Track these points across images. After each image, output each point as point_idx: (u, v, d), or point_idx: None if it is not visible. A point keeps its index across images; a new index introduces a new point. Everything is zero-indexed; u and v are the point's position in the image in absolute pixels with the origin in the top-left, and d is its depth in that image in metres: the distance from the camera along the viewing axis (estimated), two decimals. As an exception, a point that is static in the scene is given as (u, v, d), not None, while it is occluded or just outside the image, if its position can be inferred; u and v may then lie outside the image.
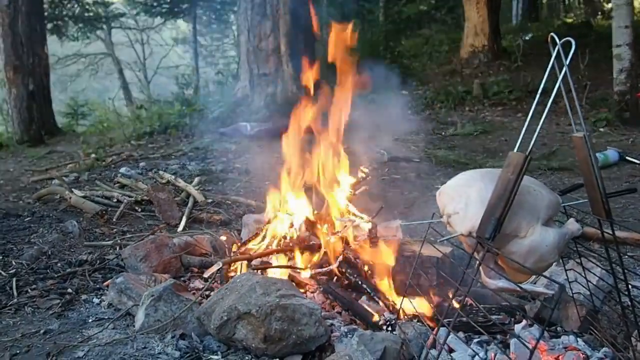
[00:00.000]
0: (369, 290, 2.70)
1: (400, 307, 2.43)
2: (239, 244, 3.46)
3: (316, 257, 2.99)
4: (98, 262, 3.52)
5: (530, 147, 1.80)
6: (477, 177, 2.04)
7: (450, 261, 2.51)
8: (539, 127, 1.81)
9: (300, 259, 3.03)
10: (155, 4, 18.50)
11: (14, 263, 3.49)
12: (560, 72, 1.82)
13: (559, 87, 1.81)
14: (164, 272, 3.20)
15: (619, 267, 2.00)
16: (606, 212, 1.92)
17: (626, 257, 3.21)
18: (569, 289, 2.37)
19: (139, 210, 4.81)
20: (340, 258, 2.87)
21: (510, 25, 19.14)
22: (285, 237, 3.22)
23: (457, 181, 2.10)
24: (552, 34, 1.85)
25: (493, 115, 9.84)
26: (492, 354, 2.09)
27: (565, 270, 2.40)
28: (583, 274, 2.27)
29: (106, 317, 2.74)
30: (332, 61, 3.29)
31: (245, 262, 3.02)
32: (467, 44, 13.84)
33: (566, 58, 1.82)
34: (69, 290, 3.09)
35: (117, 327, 2.60)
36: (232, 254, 3.31)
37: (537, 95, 1.90)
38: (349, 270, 2.82)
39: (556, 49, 1.82)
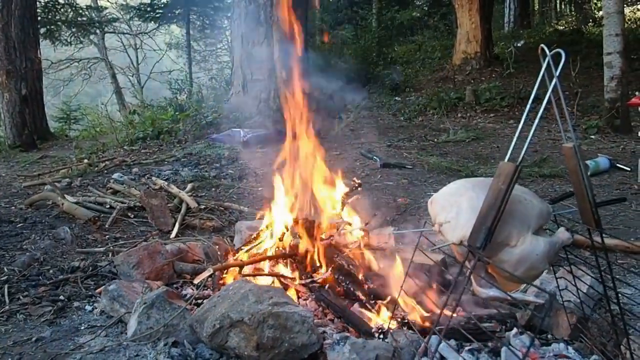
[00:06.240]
0: (361, 297, 2.71)
1: (392, 314, 2.44)
2: (232, 250, 3.46)
3: (308, 265, 3.00)
4: (90, 269, 3.51)
5: (521, 157, 1.82)
6: (468, 186, 2.06)
7: (442, 269, 2.53)
8: (529, 137, 1.84)
9: (292, 267, 3.04)
10: (148, 9, 18.49)
11: (5, 270, 3.47)
12: (550, 83, 1.85)
13: (549, 97, 1.84)
14: (156, 279, 3.20)
15: (609, 275, 2.03)
16: (596, 221, 1.94)
17: (615, 265, 3.25)
18: (559, 297, 2.39)
19: (132, 216, 4.81)
20: (333, 265, 2.88)
21: (503, 32, 19.33)
22: (280, 240, 3.23)
23: (448, 190, 2.12)
24: (542, 45, 1.87)
25: (485, 121, 9.90)
26: (483, 362, 2.11)
27: (556, 278, 2.42)
28: (573, 282, 2.29)
29: (98, 325, 2.73)
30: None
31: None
32: (459, 51, 13.94)
33: (556, 69, 1.84)
34: (61, 297, 3.08)
35: (109, 335, 2.60)
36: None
37: (528, 106, 1.93)
38: (341, 277, 2.83)
39: (546, 60, 1.85)
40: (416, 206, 5.06)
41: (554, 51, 1.83)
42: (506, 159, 1.85)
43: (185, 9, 18.06)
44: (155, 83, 24.39)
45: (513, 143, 1.87)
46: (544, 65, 1.84)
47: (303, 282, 2.91)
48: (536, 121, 1.83)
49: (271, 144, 7.71)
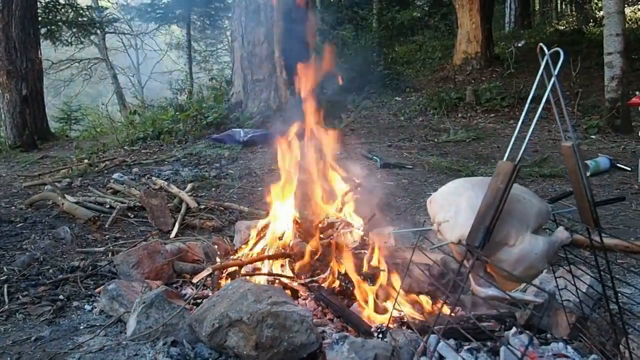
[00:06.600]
0: (359, 297, 2.71)
1: (391, 314, 2.44)
2: (232, 250, 3.46)
3: (308, 264, 2.99)
4: (90, 268, 3.52)
5: (519, 156, 1.82)
6: (467, 186, 2.06)
7: (441, 269, 2.53)
8: (528, 136, 1.83)
9: (291, 266, 3.03)
10: (149, 9, 18.48)
11: (5, 269, 3.47)
12: (549, 82, 1.85)
13: (548, 96, 1.84)
14: (156, 279, 3.20)
15: (608, 274, 2.03)
16: (594, 220, 1.94)
17: (615, 264, 3.25)
18: (558, 297, 2.39)
19: (132, 216, 4.81)
20: (332, 265, 2.88)
21: (503, 32, 19.33)
22: (279, 239, 3.23)
23: (447, 189, 2.12)
24: (540, 44, 1.87)
25: (485, 121, 9.89)
26: (482, 362, 2.11)
27: (555, 278, 2.41)
28: (572, 282, 2.29)
29: (98, 324, 2.74)
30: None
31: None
32: (460, 51, 13.94)
33: (555, 68, 1.84)
34: (61, 297, 3.09)
35: (108, 334, 2.60)
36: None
37: (527, 105, 1.92)
38: (340, 277, 2.83)
39: (545, 59, 1.85)
40: (416, 206, 5.06)
41: (552, 50, 1.83)
42: (505, 158, 1.85)
43: (186, 9, 18.03)
44: (156, 83, 24.40)
45: (512, 142, 1.87)
46: (543, 64, 1.84)
47: (302, 281, 2.91)
48: (534, 120, 1.83)
49: (271, 144, 7.72)
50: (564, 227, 2.04)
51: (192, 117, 9.74)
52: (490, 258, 1.93)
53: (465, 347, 2.19)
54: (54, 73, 22.67)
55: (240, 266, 3.03)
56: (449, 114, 10.52)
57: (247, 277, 2.88)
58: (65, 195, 5.15)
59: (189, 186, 5.79)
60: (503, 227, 1.88)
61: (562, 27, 19.79)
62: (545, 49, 1.84)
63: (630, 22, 18.17)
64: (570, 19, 22.81)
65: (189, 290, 3.11)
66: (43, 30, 14.78)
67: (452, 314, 2.33)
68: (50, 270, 3.51)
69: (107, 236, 4.38)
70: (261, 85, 9.93)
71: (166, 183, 5.72)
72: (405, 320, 2.43)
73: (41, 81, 11.47)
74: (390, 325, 2.40)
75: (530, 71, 12.36)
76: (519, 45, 14.61)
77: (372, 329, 2.41)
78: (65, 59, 22.96)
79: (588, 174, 5.99)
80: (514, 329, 2.32)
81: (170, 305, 2.57)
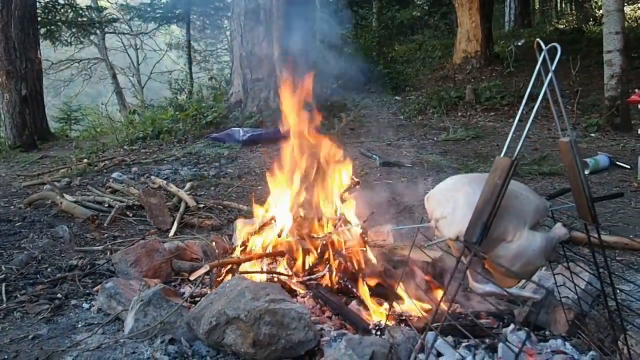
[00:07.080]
0: (358, 294, 2.70)
1: (389, 311, 2.43)
2: (230, 248, 3.46)
3: (305, 262, 2.99)
4: (88, 267, 3.52)
5: (516, 152, 1.81)
6: (464, 182, 2.06)
7: (439, 265, 2.52)
8: (525, 131, 1.83)
9: (289, 264, 3.03)
10: (149, 9, 18.46)
11: (3, 268, 3.47)
12: (546, 78, 1.84)
13: (545, 92, 1.83)
14: (154, 277, 3.20)
15: (606, 271, 2.02)
16: (592, 217, 1.93)
17: (614, 261, 3.24)
18: (557, 293, 2.38)
19: (131, 215, 4.81)
20: (331, 262, 2.87)
21: (503, 31, 19.32)
22: (278, 235, 3.22)
23: (444, 185, 2.11)
24: (537, 39, 1.86)
25: (485, 120, 9.88)
26: (480, 359, 2.10)
27: (554, 275, 2.41)
28: (571, 279, 2.28)
29: (95, 322, 2.73)
30: None
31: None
32: (459, 50, 13.93)
33: (552, 63, 1.83)
34: (59, 295, 3.08)
35: (106, 332, 2.60)
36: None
37: (524, 101, 1.92)
38: (339, 275, 2.82)
39: (542, 54, 1.84)
40: (415, 204, 5.05)
41: (549, 45, 1.82)
42: (502, 154, 1.84)
43: (186, 9, 18.01)
44: (156, 83, 24.36)
45: (509, 138, 1.87)
46: (540, 60, 1.84)
47: (301, 279, 2.90)
48: (532, 115, 1.83)
49: (270, 143, 7.73)
50: (562, 224, 2.04)
51: (192, 116, 9.74)
52: (488, 254, 1.92)
53: (463, 344, 2.19)
54: (53, 73, 22.65)
55: (238, 264, 3.02)
56: (448, 112, 10.51)
57: (245, 275, 2.88)
58: (64, 195, 5.15)
59: (188, 185, 5.78)
60: (500, 223, 1.88)
61: (562, 26, 19.79)
62: (542, 44, 1.84)
63: (629, 21, 18.18)
64: (570, 18, 22.80)
65: (187, 289, 3.10)
66: (42, 31, 14.78)
67: (450, 311, 2.32)
68: (49, 269, 3.51)
69: (106, 235, 4.37)
70: (260, 85, 9.92)
71: (165, 182, 5.72)
72: (404, 317, 2.43)
73: (41, 81, 11.48)
74: (389, 322, 2.40)
75: (530, 70, 12.30)
76: (519, 44, 14.61)
77: (370, 326, 2.41)
78: (65, 59, 22.94)
79: (587, 171, 5.98)
80: (512, 326, 2.32)
81: (168, 303, 2.56)
